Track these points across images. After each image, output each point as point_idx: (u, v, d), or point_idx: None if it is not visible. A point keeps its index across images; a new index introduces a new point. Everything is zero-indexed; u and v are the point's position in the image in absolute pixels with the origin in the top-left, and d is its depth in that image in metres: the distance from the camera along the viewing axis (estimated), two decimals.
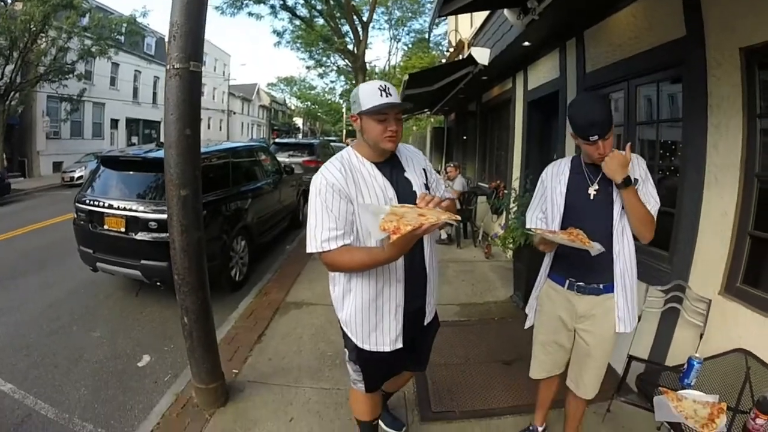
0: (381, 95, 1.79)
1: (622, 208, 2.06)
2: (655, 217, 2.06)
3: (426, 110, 13.84)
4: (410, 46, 32.42)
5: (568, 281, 2.23)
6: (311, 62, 28.44)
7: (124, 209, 4.76)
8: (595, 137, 1.98)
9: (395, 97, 1.81)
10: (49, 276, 6.11)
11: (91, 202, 4.97)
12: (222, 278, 5.28)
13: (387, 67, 34.69)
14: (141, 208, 4.72)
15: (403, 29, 32.18)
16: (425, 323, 2.17)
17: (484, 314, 4.75)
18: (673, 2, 2.93)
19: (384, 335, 1.96)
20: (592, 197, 2.13)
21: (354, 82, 22.79)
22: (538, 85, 5.86)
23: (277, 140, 19.19)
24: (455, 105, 11.62)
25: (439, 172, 12.92)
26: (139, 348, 4.16)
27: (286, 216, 8.23)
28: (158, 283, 4.87)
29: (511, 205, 5.39)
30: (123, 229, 4.77)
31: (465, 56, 7.91)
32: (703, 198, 2.72)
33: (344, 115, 50.47)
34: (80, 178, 17.36)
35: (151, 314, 4.89)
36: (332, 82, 38.04)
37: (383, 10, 29.33)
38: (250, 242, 6.07)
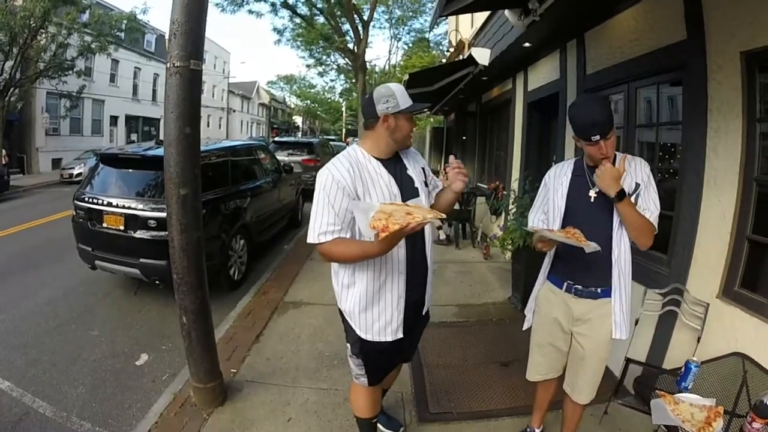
0: (411, 100, 1.99)
1: None
2: (656, 223, 2.06)
3: (425, 110, 13.83)
4: (410, 45, 32.45)
5: (566, 284, 2.23)
6: (311, 61, 28.42)
7: (124, 207, 4.76)
8: (597, 137, 1.98)
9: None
10: (48, 273, 6.10)
11: (90, 200, 4.96)
12: (221, 277, 5.28)
13: (387, 66, 34.72)
14: (140, 206, 4.71)
15: (403, 28, 32.23)
16: (422, 313, 2.29)
17: (482, 315, 4.75)
18: (675, 5, 2.93)
19: (386, 325, 2.05)
20: (592, 200, 2.13)
21: (354, 81, 22.77)
22: (538, 86, 5.86)
23: (276, 139, 19.17)
24: (455, 105, 11.63)
25: (438, 173, 12.96)
26: (137, 347, 4.16)
27: (285, 215, 8.22)
28: (157, 282, 4.87)
29: (510, 206, 5.40)
30: (122, 227, 4.76)
31: (465, 56, 7.92)
32: (702, 201, 2.72)
33: (344, 114, 50.48)
34: (79, 175, 17.33)
35: (150, 313, 4.89)
36: (332, 80, 38.21)
37: (384, 9, 29.34)
38: (249, 241, 6.07)
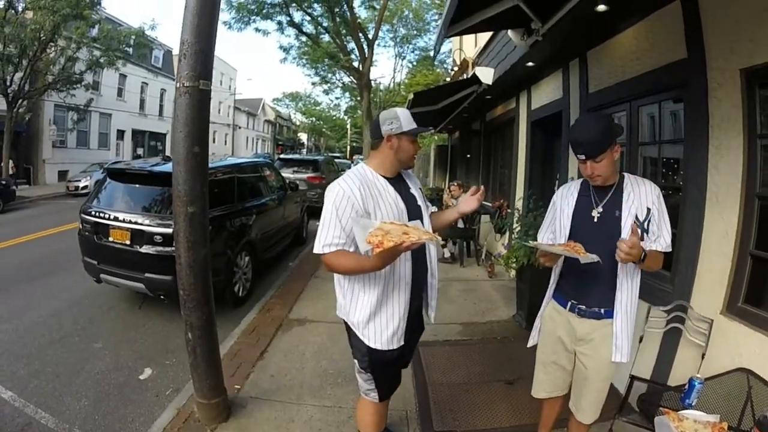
0: (414, 122, 2.12)
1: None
2: (671, 248, 2.11)
3: (430, 128, 13.93)
4: (415, 63, 32.81)
5: (570, 303, 2.24)
6: (317, 78, 28.84)
7: (130, 222, 4.79)
8: (582, 157, 2.03)
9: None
10: (53, 285, 6.14)
11: (97, 214, 5.00)
12: (225, 293, 5.28)
13: (392, 84, 35.05)
14: (146, 222, 4.75)
15: (407, 47, 32.69)
16: (419, 325, 2.38)
17: (487, 333, 4.73)
18: (675, 24, 2.98)
19: (393, 334, 2.11)
20: (596, 220, 2.14)
21: (359, 98, 23.01)
22: (541, 104, 5.91)
23: (281, 156, 19.28)
24: (459, 123, 11.70)
25: (442, 191, 12.93)
26: (141, 361, 4.16)
27: (290, 232, 8.23)
28: (162, 297, 4.89)
29: (515, 224, 5.40)
30: (128, 242, 4.79)
31: (469, 75, 8.01)
32: (704, 218, 2.73)
33: (349, 131, 50.85)
34: (85, 187, 17.52)
35: (154, 327, 4.89)
36: (337, 98, 38.52)
37: (388, 28, 29.84)
38: (254, 258, 6.09)
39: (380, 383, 2.25)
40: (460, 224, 7.62)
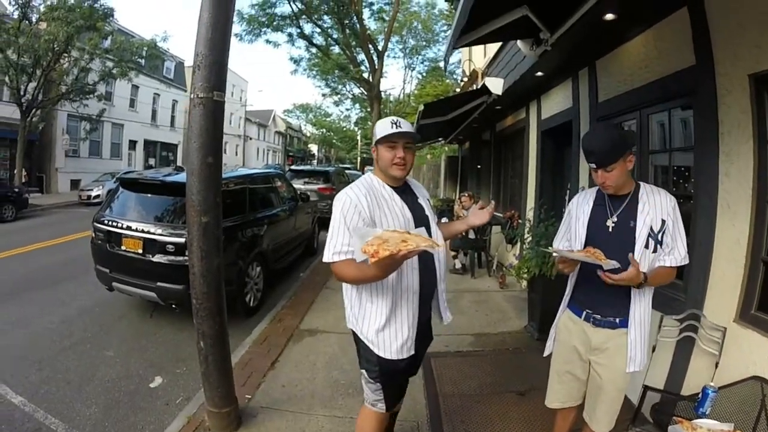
0: (392, 127, 2.07)
1: (645, 246, 2.05)
2: (686, 261, 2.11)
3: (440, 139, 13.97)
4: (424, 74, 32.95)
5: (585, 312, 2.23)
6: (327, 90, 29.10)
7: (142, 231, 4.84)
8: (593, 165, 2.05)
9: (405, 129, 2.08)
10: (64, 292, 6.21)
11: (110, 223, 5.06)
12: (237, 303, 5.30)
13: (402, 95, 35.19)
14: (159, 231, 4.80)
15: (417, 58, 32.88)
16: (428, 334, 2.37)
17: (499, 344, 4.70)
18: (683, 31, 2.99)
19: (403, 344, 2.11)
20: (610, 230, 2.14)
21: (369, 110, 23.14)
22: (551, 114, 5.92)
23: (292, 167, 19.40)
24: (469, 134, 11.72)
25: (453, 202, 12.88)
26: (152, 369, 4.18)
27: (301, 243, 8.26)
28: (173, 306, 4.92)
29: (526, 234, 5.38)
30: (140, 251, 4.83)
31: (479, 86, 8.04)
32: (716, 225, 2.71)
33: (359, 143, 51.09)
34: (97, 196, 17.68)
35: (165, 336, 4.92)
36: (347, 109, 38.84)
37: (397, 39, 30.06)
38: (266, 268, 6.11)
39: (388, 393, 2.23)
40: (471, 235, 7.60)
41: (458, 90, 14.55)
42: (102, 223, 5.14)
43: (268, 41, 21.61)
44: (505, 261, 7.66)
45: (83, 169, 23.15)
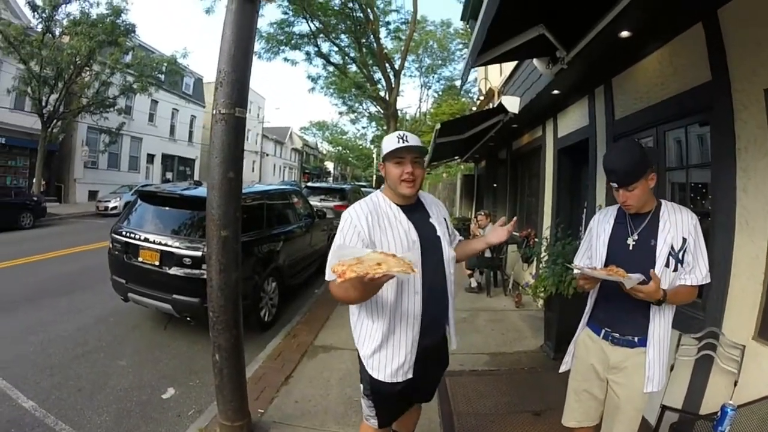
0: (398, 141, 2.02)
1: (666, 265, 2.04)
2: (707, 280, 2.09)
3: (456, 158, 13.99)
4: (440, 93, 33.10)
5: (603, 331, 2.22)
6: (344, 108, 29.26)
7: (160, 243, 4.89)
8: (615, 185, 2.05)
9: (412, 143, 2.02)
10: (79, 301, 6.29)
11: (128, 234, 5.14)
12: (252, 318, 5.30)
13: (418, 114, 35.37)
14: (176, 244, 4.85)
15: (433, 76, 33.03)
16: (439, 359, 2.28)
17: (514, 364, 4.65)
18: (698, 47, 2.99)
19: (399, 368, 2.05)
20: (631, 248, 2.13)
21: (386, 128, 23.26)
22: (567, 132, 5.91)
23: (309, 184, 19.52)
24: (485, 152, 11.73)
25: (469, 220, 12.78)
26: (164, 380, 4.19)
27: (317, 260, 8.24)
28: (188, 318, 4.94)
29: (542, 253, 5.34)
30: (157, 263, 4.88)
31: (495, 104, 8.06)
32: (734, 242, 2.68)
33: (375, 161, 51.38)
34: (115, 208, 17.98)
35: (179, 348, 4.93)
36: (364, 128, 38.99)
37: (413, 58, 30.24)
38: (281, 284, 6.13)
39: (381, 412, 2.20)
40: (487, 253, 7.55)
41: (474, 108, 14.61)
42: (120, 234, 5.22)
43: (286, 59, 21.72)
44: (521, 280, 7.58)
45: (101, 181, 23.65)
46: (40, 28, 17.58)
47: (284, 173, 52.87)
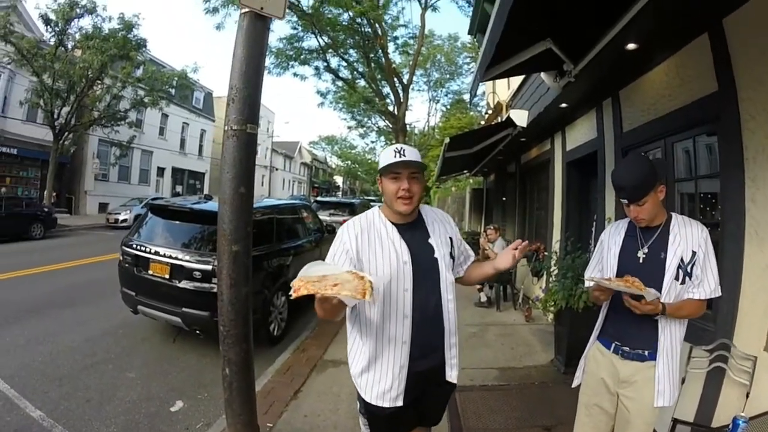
0: (395, 156, 1.91)
1: (675, 278, 2.03)
2: (717, 293, 2.07)
3: (465, 172, 14.00)
4: (448, 107, 33.26)
5: (614, 344, 2.21)
6: (353, 122, 29.51)
7: (170, 257, 4.92)
8: (625, 201, 2.06)
9: (410, 157, 1.91)
10: (88, 312, 6.32)
11: (138, 247, 5.17)
12: (261, 332, 5.31)
13: (426, 128, 35.51)
14: (186, 257, 4.87)
15: (441, 90, 33.25)
16: (441, 382, 2.10)
17: (524, 378, 4.60)
18: (704, 58, 3.00)
19: (385, 392, 1.95)
20: (641, 261, 2.13)
21: (394, 142, 23.38)
22: (576, 145, 5.91)
23: (318, 198, 19.59)
24: (494, 166, 11.73)
25: (478, 235, 12.66)
26: (173, 393, 4.19)
27: None
28: (198, 332, 4.95)
29: (552, 267, 5.31)
30: (167, 276, 4.91)
31: (504, 118, 8.09)
32: (744, 252, 2.67)
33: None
34: (125, 220, 18.10)
35: (188, 361, 4.93)
36: (372, 142, 39.03)
37: (422, 72, 30.47)
38: (290, 298, 6.09)
39: (375, 430, 2.12)
40: None
41: (482, 122, 14.66)
42: (130, 246, 5.26)
43: (295, 74, 21.86)
44: (531, 294, 7.53)
45: (112, 193, 23.96)
46: (53, 41, 17.96)
47: (293, 187, 53.18)
